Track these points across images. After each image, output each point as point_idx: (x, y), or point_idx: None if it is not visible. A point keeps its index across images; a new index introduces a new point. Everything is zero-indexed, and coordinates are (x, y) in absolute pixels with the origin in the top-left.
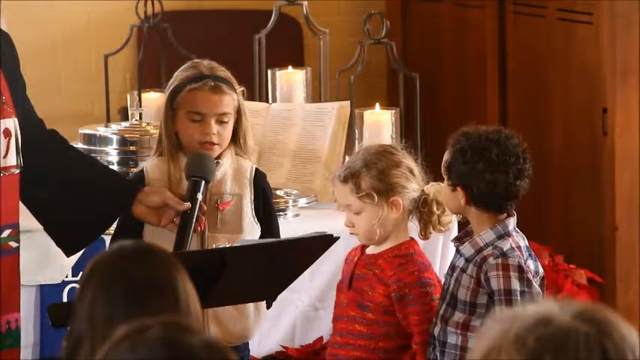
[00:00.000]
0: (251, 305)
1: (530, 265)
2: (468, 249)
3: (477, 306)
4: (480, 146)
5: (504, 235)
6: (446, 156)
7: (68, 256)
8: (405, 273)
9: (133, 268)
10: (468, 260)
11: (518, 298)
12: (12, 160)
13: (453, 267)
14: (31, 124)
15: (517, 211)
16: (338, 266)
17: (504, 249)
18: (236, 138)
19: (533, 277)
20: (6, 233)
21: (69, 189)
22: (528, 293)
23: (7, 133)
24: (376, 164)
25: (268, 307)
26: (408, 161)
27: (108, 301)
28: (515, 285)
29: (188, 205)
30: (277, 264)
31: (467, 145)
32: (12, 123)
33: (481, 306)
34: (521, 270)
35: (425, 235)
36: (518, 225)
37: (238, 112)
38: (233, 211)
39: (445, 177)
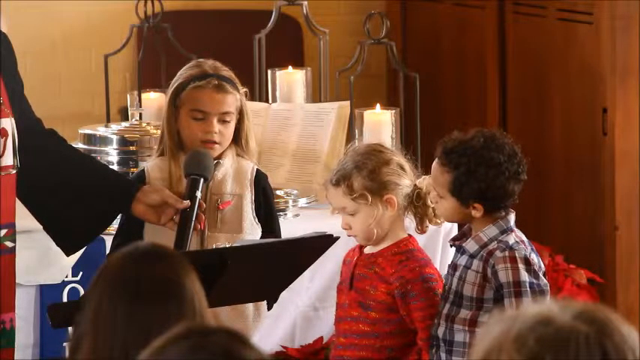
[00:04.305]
0: (250, 306)
1: (535, 259)
2: (471, 245)
3: (483, 301)
4: (486, 158)
5: (507, 230)
6: (447, 177)
7: (68, 255)
8: (407, 270)
9: (141, 270)
10: (472, 256)
11: (528, 289)
12: (9, 159)
13: (454, 266)
14: (29, 124)
15: (517, 211)
16: (338, 266)
17: (510, 242)
18: (238, 138)
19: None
20: (2, 233)
21: (68, 188)
22: (537, 285)
23: (3, 132)
24: (366, 164)
25: (269, 308)
26: (398, 158)
27: (113, 300)
28: (525, 276)
29: (187, 203)
30: (277, 264)
31: (472, 162)
32: (9, 123)
33: (488, 301)
34: (528, 262)
35: (422, 229)
36: (518, 225)
37: (240, 113)
38: (233, 211)
39: (453, 198)
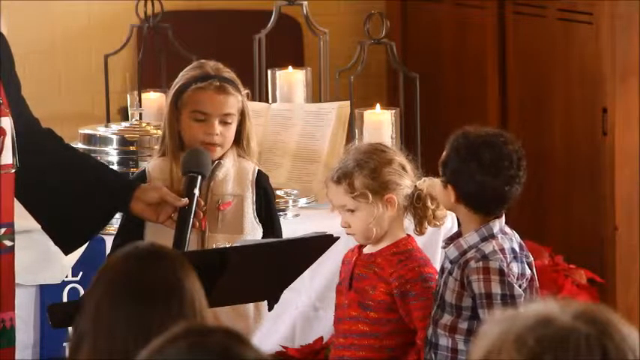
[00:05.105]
0: (251, 306)
1: (514, 267)
2: (452, 251)
3: (462, 308)
4: (474, 146)
5: (488, 237)
6: (444, 153)
7: (66, 254)
8: (406, 269)
9: (141, 270)
10: (452, 262)
11: (499, 301)
12: (8, 158)
13: (442, 269)
14: (26, 123)
15: (517, 211)
16: (338, 266)
17: (486, 252)
18: (239, 140)
19: (518, 279)
20: (1, 232)
21: (67, 187)
22: (510, 297)
23: (2, 131)
24: (368, 163)
25: (270, 308)
26: (400, 158)
27: (114, 300)
28: (496, 289)
29: (186, 200)
30: (277, 264)
31: (463, 143)
32: (8, 122)
33: (466, 308)
34: (502, 273)
35: (420, 230)
36: (518, 225)
37: (242, 114)
38: (234, 211)
39: (440, 172)
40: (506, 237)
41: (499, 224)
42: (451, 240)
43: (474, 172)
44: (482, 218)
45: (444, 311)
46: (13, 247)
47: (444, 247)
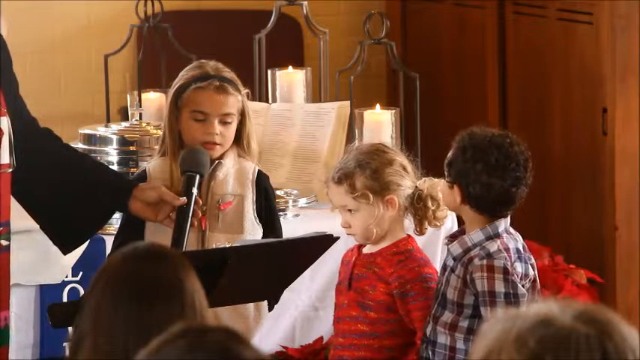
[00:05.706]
0: (251, 306)
1: (518, 267)
2: (456, 248)
3: (464, 306)
4: (481, 147)
5: (493, 236)
6: (450, 153)
7: (65, 254)
8: (406, 269)
9: (141, 270)
10: (455, 259)
11: (502, 300)
12: (5, 158)
13: (444, 266)
14: (24, 123)
15: (517, 210)
16: (338, 266)
17: (491, 250)
18: (239, 139)
19: (521, 279)
20: None
21: (65, 187)
22: (513, 295)
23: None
24: (369, 164)
25: (270, 308)
26: (401, 158)
27: (114, 300)
28: (500, 287)
29: (184, 199)
30: (277, 264)
31: (469, 144)
32: (5, 122)
33: (468, 306)
34: (506, 272)
35: (420, 230)
36: (519, 225)
37: (242, 114)
38: (234, 211)
39: (445, 173)
40: (510, 237)
41: (504, 224)
42: (454, 237)
43: (480, 173)
44: (487, 219)
45: (445, 309)
46: (8, 246)
47: (447, 244)
